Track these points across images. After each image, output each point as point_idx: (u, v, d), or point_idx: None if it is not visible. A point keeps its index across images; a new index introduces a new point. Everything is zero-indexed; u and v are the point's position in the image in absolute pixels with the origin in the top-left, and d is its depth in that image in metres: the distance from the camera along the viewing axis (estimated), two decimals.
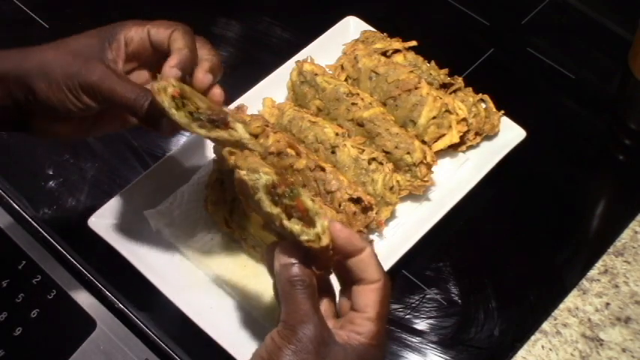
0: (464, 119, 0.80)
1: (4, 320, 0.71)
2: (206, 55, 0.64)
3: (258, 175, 0.55)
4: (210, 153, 0.79)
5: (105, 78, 0.60)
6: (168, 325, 0.71)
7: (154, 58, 0.65)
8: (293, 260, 0.53)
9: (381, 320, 0.53)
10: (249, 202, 0.57)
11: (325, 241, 0.53)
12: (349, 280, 0.55)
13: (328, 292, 0.57)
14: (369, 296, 0.53)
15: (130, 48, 0.64)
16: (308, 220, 0.54)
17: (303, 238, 0.53)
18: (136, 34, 0.64)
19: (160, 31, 0.64)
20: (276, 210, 0.54)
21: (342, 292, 0.56)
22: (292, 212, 0.54)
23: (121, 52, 0.64)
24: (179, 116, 0.58)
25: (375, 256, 0.54)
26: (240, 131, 0.60)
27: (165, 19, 0.65)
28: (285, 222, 0.53)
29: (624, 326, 0.72)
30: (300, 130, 0.79)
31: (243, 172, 0.56)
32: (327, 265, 0.56)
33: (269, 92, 0.85)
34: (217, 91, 0.64)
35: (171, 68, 0.61)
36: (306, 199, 0.54)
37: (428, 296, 0.74)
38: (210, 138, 0.60)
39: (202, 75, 0.63)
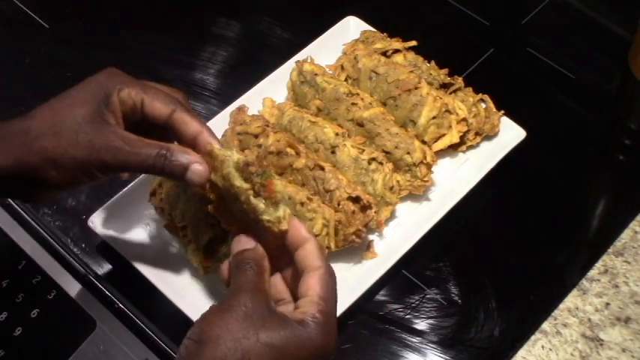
0: (464, 119, 0.80)
1: (4, 320, 0.71)
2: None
3: (230, 152, 0.57)
4: None
5: (116, 153, 0.58)
6: (168, 325, 0.71)
7: (144, 123, 0.62)
8: (249, 246, 0.57)
9: (325, 302, 0.54)
10: (217, 180, 0.58)
11: (284, 226, 0.55)
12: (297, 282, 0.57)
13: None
14: (310, 281, 0.55)
15: (123, 108, 0.61)
16: (272, 205, 0.56)
17: (265, 217, 0.55)
18: (129, 97, 0.61)
19: (156, 107, 0.61)
20: (246, 185, 0.56)
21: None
22: (260, 192, 0.56)
23: (119, 114, 0.60)
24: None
25: (319, 247, 0.56)
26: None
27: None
28: (252, 198, 0.55)
29: (624, 326, 0.72)
30: (300, 130, 0.79)
31: (216, 147, 0.58)
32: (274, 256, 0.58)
33: (269, 92, 0.85)
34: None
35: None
36: (278, 181, 0.56)
37: (428, 296, 0.74)
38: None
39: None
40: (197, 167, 0.59)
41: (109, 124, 0.59)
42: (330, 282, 0.56)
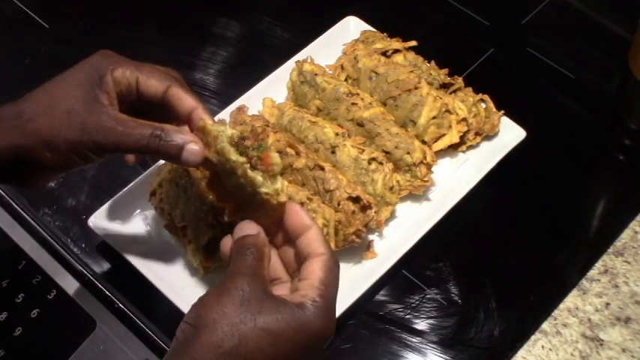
0: (464, 119, 0.80)
1: (4, 320, 0.71)
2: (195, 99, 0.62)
3: (224, 127, 0.57)
4: None
5: (109, 133, 0.57)
6: (168, 325, 0.71)
7: (140, 103, 0.62)
8: (251, 232, 0.55)
9: (325, 287, 0.54)
10: (211, 156, 0.58)
11: (283, 197, 0.55)
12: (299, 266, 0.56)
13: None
14: (312, 266, 0.55)
15: (117, 88, 0.60)
16: (270, 178, 0.56)
17: (263, 189, 0.55)
18: (123, 77, 0.60)
19: (150, 84, 0.61)
20: (241, 159, 0.55)
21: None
22: (257, 166, 0.56)
23: (113, 94, 0.60)
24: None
25: (321, 233, 0.56)
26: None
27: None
28: (249, 171, 0.55)
29: (624, 326, 0.72)
30: (300, 130, 0.79)
31: (209, 122, 0.58)
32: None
33: (269, 92, 0.85)
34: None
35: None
36: (274, 154, 0.56)
37: (428, 296, 0.74)
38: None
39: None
40: (193, 147, 0.58)
41: (102, 105, 0.58)
42: (333, 268, 0.55)
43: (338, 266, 0.56)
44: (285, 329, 0.51)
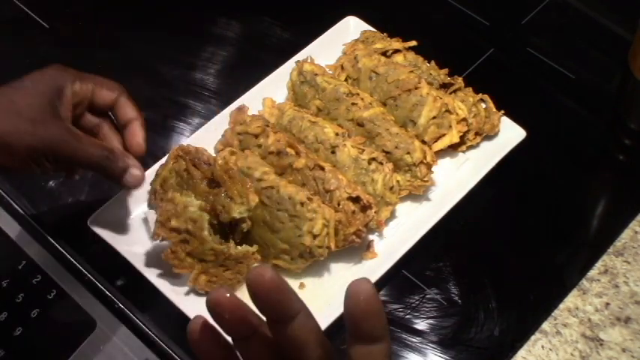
0: (464, 119, 0.80)
1: (4, 320, 0.71)
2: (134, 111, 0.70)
3: (190, 198, 0.70)
4: (211, 152, 0.79)
5: (66, 147, 0.63)
6: (168, 325, 0.71)
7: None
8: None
9: None
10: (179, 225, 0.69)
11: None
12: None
13: None
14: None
15: (74, 100, 0.66)
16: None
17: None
18: (80, 90, 0.66)
19: (104, 94, 0.68)
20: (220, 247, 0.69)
21: None
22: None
23: (69, 107, 0.65)
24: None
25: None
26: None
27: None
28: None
29: (624, 326, 0.72)
30: (300, 130, 0.79)
31: (177, 194, 0.70)
32: None
33: (269, 92, 0.85)
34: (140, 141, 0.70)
35: (139, 144, 0.68)
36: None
37: (428, 296, 0.74)
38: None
39: (143, 139, 0.69)
40: (135, 171, 0.67)
41: (61, 118, 0.63)
42: None
43: None
44: None
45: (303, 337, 0.37)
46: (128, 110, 0.69)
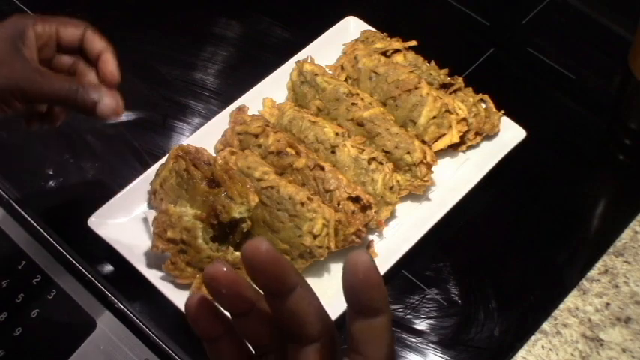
0: (464, 119, 0.80)
1: (4, 320, 0.71)
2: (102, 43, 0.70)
3: (185, 208, 0.70)
4: (211, 152, 0.79)
5: (33, 83, 0.63)
6: (168, 325, 0.71)
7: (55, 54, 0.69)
8: None
9: None
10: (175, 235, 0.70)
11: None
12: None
13: None
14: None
15: (38, 43, 0.66)
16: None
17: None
18: (43, 30, 0.66)
19: (69, 31, 0.68)
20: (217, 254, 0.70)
21: None
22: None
23: (33, 48, 0.66)
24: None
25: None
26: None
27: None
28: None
29: (624, 326, 0.72)
30: (300, 130, 0.79)
31: (171, 206, 0.70)
32: None
33: (269, 92, 0.85)
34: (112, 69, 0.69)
35: (112, 72, 0.67)
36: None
37: (428, 296, 0.74)
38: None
39: (115, 68, 0.68)
40: (107, 101, 0.65)
41: (25, 58, 0.64)
42: None
43: None
44: None
45: (302, 311, 0.36)
46: (96, 43, 0.68)
